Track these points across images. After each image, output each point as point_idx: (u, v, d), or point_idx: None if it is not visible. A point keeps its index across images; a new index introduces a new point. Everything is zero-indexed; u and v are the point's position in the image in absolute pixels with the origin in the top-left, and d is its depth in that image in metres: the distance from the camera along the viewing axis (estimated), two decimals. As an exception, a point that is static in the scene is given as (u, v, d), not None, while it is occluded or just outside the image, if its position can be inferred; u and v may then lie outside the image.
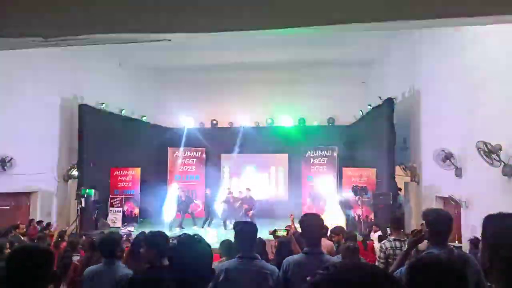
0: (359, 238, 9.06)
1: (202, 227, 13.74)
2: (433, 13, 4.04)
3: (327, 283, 0.86)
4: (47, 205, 12.58)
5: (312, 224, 3.32)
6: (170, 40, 3.27)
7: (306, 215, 3.47)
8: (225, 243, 4.61)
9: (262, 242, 5.15)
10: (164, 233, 3.69)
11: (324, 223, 3.47)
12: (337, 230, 7.74)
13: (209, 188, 14.83)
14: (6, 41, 3.49)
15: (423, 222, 3.24)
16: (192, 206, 14.56)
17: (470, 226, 8.02)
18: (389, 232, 8.60)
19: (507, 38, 7.16)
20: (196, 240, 1.91)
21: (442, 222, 3.11)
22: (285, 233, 4.51)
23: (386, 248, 4.76)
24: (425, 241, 3.24)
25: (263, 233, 5.46)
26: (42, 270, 2.06)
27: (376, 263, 4.95)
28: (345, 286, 0.84)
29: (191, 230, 12.65)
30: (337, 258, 4.27)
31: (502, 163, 6.85)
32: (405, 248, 4.87)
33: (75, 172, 13.37)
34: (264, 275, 3.05)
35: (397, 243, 4.79)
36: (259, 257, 3.23)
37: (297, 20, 3.23)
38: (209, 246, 1.94)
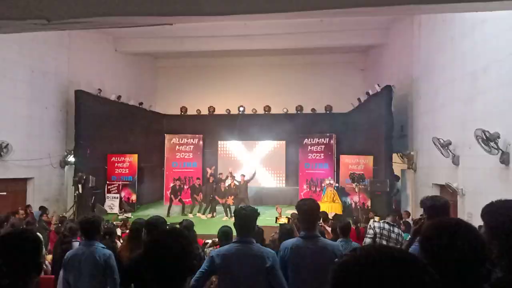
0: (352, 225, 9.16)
1: (203, 214, 13.84)
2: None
3: (354, 264, 0.86)
4: (43, 191, 12.56)
5: (308, 209, 3.36)
6: (171, 24, 3.23)
7: (302, 200, 3.53)
8: (222, 230, 4.63)
9: (260, 230, 5.18)
10: (162, 218, 3.73)
11: (320, 208, 3.53)
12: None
13: (212, 176, 14.81)
14: (10, 24, 3.44)
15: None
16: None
17: (467, 214, 8.08)
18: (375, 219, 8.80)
19: (506, 25, 7.12)
20: (172, 238, 1.80)
21: (439, 208, 3.16)
22: (286, 221, 4.60)
23: (374, 227, 5.40)
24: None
25: (263, 221, 5.53)
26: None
27: (365, 239, 5.33)
28: (371, 267, 0.84)
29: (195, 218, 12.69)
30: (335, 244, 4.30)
31: (500, 151, 6.87)
32: (392, 230, 5.35)
33: (71, 159, 13.34)
34: (261, 258, 3.08)
35: (386, 225, 5.40)
36: (255, 241, 3.25)
37: (298, 5, 3.19)
38: (189, 242, 1.84)
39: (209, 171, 15.13)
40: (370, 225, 5.50)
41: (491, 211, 1.73)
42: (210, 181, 14.45)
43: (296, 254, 3.21)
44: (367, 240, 5.34)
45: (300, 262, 3.20)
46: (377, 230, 5.29)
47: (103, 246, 3.81)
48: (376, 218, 5.91)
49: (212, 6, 2.99)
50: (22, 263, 1.81)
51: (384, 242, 5.16)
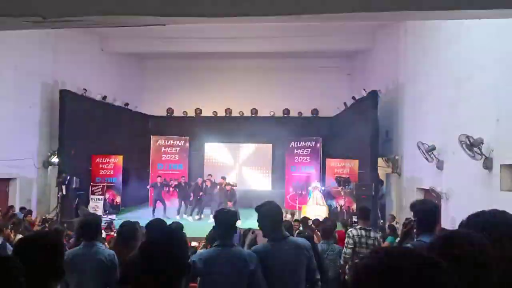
0: (340, 227, 9.22)
1: (191, 215, 13.78)
2: (421, 5, 4.08)
3: (376, 266, 0.87)
4: (26, 192, 12.34)
5: (271, 214, 3.32)
6: (164, 25, 3.23)
7: (264, 203, 3.41)
8: (211, 233, 4.60)
9: (254, 233, 5.19)
10: (163, 220, 3.78)
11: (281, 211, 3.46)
12: (316, 223, 8.13)
13: (200, 177, 14.78)
14: (4, 21, 3.38)
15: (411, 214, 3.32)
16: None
17: (450, 218, 8.20)
18: (355, 220, 8.82)
19: (491, 33, 7.28)
20: (167, 240, 1.82)
21: (428, 211, 3.22)
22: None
23: (353, 236, 5.20)
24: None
25: (249, 224, 5.53)
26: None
27: (344, 249, 5.19)
28: (394, 269, 0.85)
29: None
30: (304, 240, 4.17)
31: (483, 156, 7.01)
32: (368, 236, 5.24)
33: (55, 159, 13.13)
34: (244, 261, 3.06)
35: (363, 232, 5.24)
36: (236, 244, 3.24)
37: (290, 8, 3.21)
38: (183, 244, 1.85)
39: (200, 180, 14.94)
40: (348, 234, 5.33)
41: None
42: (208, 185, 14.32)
43: (270, 257, 3.19)
44: (348, 251, 5.17)
45: (277, 265, 3.18)
46: (356, 239, 5.18)
47: (105, 246, 3.84)
48: (358, 225, 5.69)
49: (209, 8, 2.99)
50: (39, 267, 1.77)
51: (364, 250, 5.11)
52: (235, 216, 3.29)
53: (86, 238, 3.74)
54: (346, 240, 5.27)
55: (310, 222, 8.33)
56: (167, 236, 1.81)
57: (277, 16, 3.50)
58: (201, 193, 14.00)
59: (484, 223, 1.62)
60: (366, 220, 5.54)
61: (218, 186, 13.90)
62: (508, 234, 1.56)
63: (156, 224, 3.65)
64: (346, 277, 5.25)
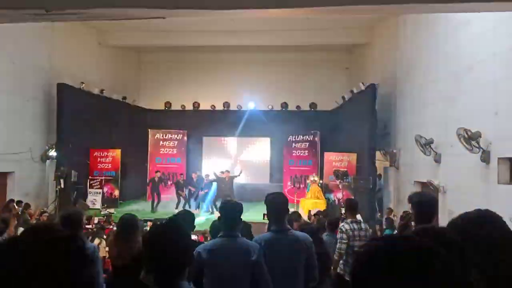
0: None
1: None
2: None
3: (378, 253, 0.88)
4: (24, 186, 12.31)
5: (277, 203, 3.39)
6: (164, 17, 3.22)
7: (271, 194, 3.51)
8: (214, 225, 4.62)
9: (248, 225, 5.20)
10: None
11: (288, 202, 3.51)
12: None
13: (197, 171, 14.84)
14: (7, 13, 3.37)
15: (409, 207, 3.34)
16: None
17: (447, 211, 8.25)
18: (342, 213, 8.82)
19: (489, 26, 7.27)
20: (171, 230, 1.83)
21: (426, 204, 3.26)
22: None
23: (346, 230, 5.19)
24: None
25: (247, 217, 5.53)
26: None
27: (338, 244, 5.17)
28: (395, 257, 0.85)
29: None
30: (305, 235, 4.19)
31: (481, 150, 7.03)
32: (360, 228, 5.26)
33: (53, 153, 13.10)
34: (247, 251, 3.10)
35: (355, 225, 5.26)
36: (240, 235, 3.27)
37: (292, 0, 3.21)
38: (186, 233, 1.87)
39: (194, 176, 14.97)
40: (341, 229, 5.27)
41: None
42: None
43: (270, 248, 3.24)
44: (343, 246, 5.14)
45: (274, 256, 3.22)
46: (350, 233, 5.15)
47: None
48: (348, 219, 5.62)
49: (210, 0, 2.98)
50: None
51: (357, 243, 5.13)
52: (240, 208, 3.32)
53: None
54: (340, 235, 5.24)
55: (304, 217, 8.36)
56: (169, 228, 1.82)
57: (279, 9, 3.49)
58: (205, 182, 14.11)
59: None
60: (354, 213, 5.55)
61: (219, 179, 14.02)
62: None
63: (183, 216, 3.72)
64: (338, 271, 5.26)
